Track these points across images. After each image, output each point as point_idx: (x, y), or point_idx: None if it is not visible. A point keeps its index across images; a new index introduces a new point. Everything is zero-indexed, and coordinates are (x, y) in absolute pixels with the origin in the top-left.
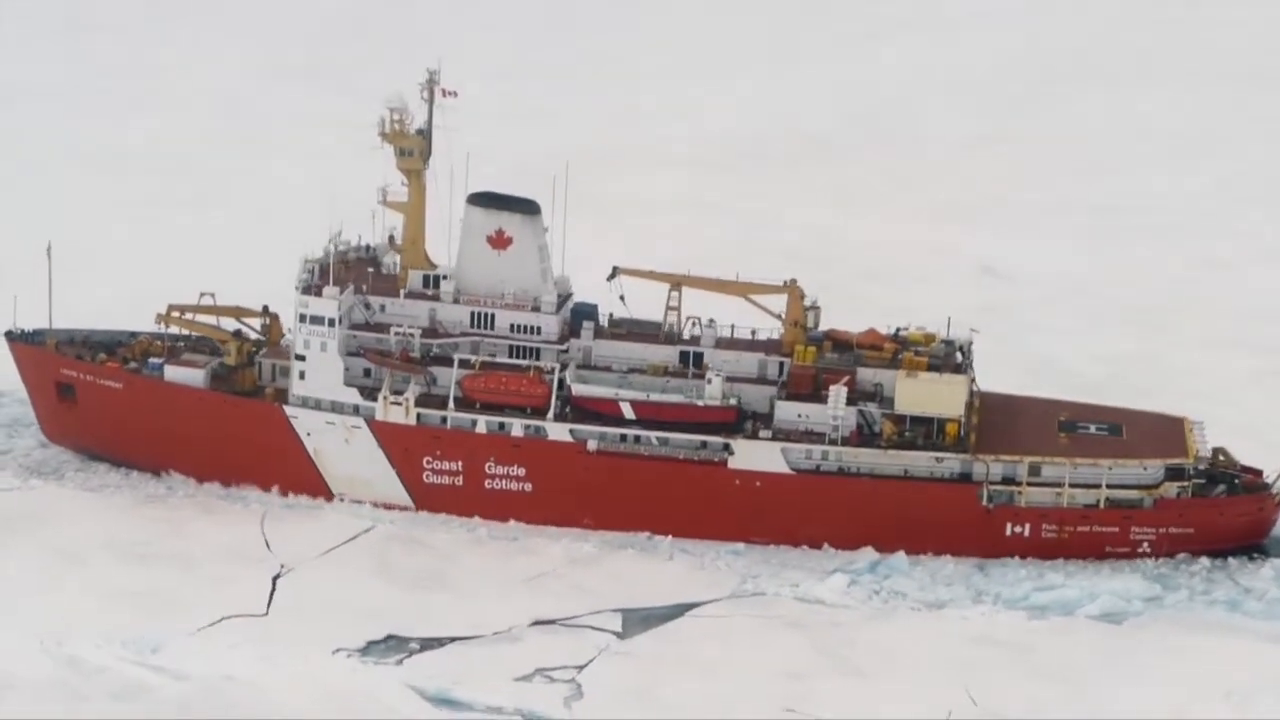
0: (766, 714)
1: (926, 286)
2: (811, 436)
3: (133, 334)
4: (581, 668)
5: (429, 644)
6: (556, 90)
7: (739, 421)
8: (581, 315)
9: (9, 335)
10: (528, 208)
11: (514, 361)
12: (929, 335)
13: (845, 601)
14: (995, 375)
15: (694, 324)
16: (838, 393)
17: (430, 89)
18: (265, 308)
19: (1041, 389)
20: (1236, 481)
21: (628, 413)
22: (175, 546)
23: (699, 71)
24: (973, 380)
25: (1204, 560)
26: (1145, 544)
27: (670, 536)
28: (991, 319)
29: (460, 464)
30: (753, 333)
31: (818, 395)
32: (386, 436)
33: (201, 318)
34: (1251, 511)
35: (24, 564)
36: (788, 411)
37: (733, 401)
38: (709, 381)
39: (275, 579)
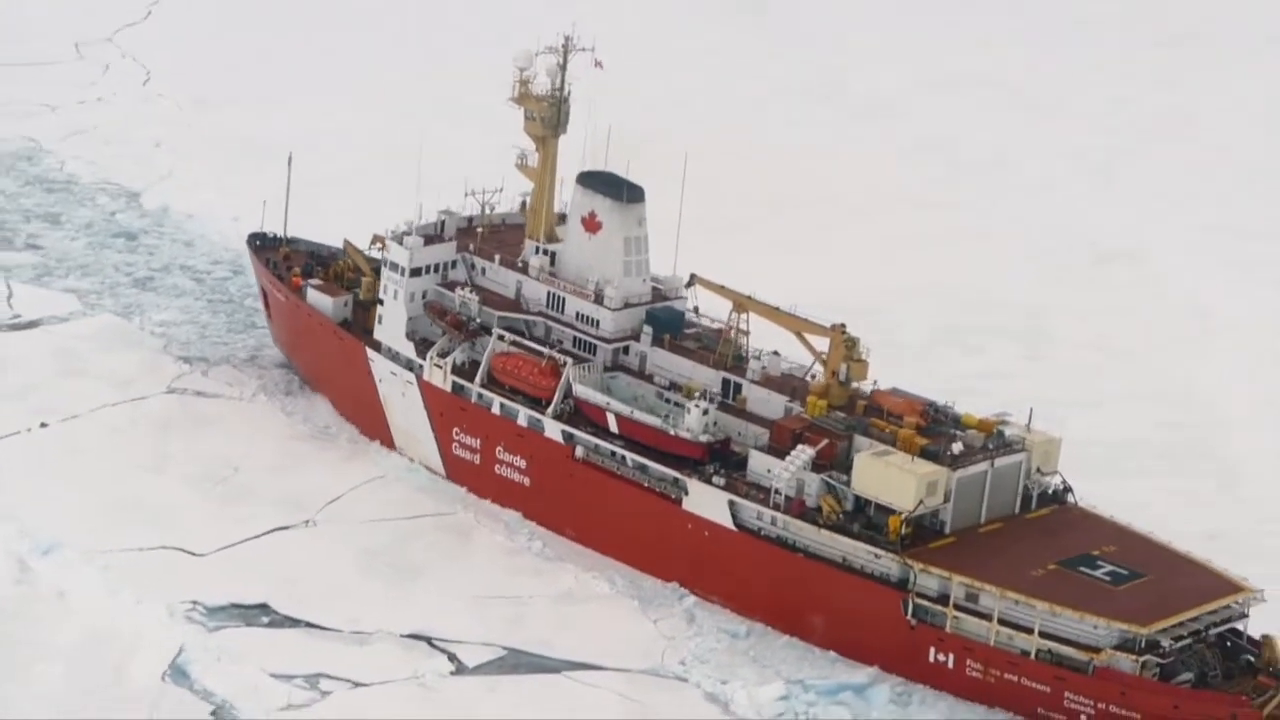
0: None
1: None
2: (765, 496)
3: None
4: (358, 685)
5: (281, 622)
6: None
7: (708, 460)
8: (653, 319)
9: (250, 238)
10: (620, 193)
11: (536, 346)
12: (992, 422)
13: (748, 713)
14: None
15: (758, 353)
16: (798, 453)
17: (564, 53)
18: None
19: None
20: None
21: (612, 425)
22: (254, 482)
23: None
24: (1060, 490)
25: None
26: (1084, 717)
27: (695, 598)
28: None
29: (479, 442)
30: (811, 375)
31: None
32: (430, 397)
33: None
34: (1219, 715)
35: (118, 462)
36: (760, 463)
37: (704, 438)
38: (688, 411)
39: (270, 531)
